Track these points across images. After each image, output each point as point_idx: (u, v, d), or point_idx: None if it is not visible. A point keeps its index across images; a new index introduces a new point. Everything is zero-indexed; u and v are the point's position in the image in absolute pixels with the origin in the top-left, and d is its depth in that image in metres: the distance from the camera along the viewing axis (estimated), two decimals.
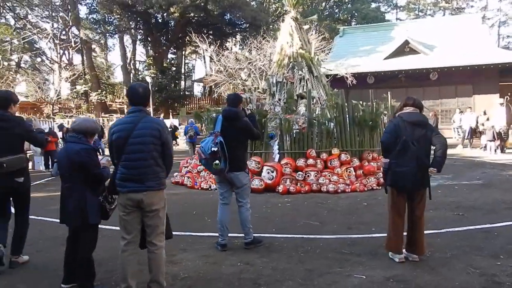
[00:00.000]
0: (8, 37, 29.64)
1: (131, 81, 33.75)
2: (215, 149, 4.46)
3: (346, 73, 22.79)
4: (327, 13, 45.57)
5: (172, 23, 31.06)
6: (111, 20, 29.74)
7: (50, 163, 14.08)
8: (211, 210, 6.37)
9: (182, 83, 36.39)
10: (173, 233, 3.86)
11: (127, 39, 38.08)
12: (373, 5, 46.27)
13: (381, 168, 5.34)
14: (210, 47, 22.26)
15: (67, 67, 33.97)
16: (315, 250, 4.77)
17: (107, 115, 31.65)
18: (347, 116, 9.37)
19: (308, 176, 8.77)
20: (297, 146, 9.18)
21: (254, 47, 22.26)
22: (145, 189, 3.30)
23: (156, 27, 30.72)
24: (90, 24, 27.18)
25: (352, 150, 9.37)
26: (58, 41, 32.18)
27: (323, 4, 45.53)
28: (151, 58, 32.73)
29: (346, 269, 4.14)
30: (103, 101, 31.35)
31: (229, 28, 31.17)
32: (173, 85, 31.51)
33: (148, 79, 26.19)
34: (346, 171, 8.96)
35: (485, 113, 17.31)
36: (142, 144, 3.29)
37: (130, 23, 29.42)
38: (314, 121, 9.18)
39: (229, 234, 4.93)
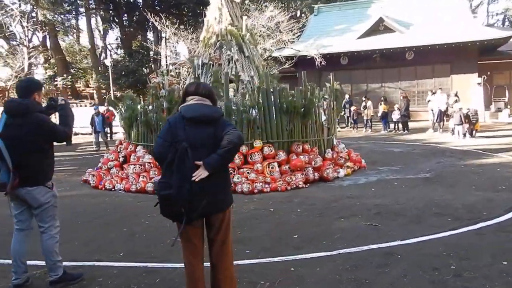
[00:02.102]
0: None
1: (100, 65, 32.20)
2: None
3: (315, 54, 21.45)
4: None
5: (140, 3, 29.36)
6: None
7: None
8: (90, 220, 5.12)
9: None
10: None
11: (98, 21, 36.39)
12: None
13: None
14: (168, 28, 20.70)
15: (33, 50, 32.35)
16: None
17: (77, 101, 30.19)
18: (273, 102, 8.05)
19: None
20: None
21: None
22: None
23: (122, 7, 29.01)
24: (48, 4, 25.41)
25: (279, 142, 8.09)
26: (26, 22, 30.48)
27: None
28: (119, 40, 31.12)
29: None
30: (69, 86, 29.76)
31: (200, 7, 29.47)
32: (143, 69, 29.96)
33: (108, 63, 24.67)
34: (268, 167, 7.70)
35: (456, 95, 16.03)
36: None
37: (91, 2, 27.70)
38: (233, 108, 7.87)
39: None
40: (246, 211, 6.06)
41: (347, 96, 20.79)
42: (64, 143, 3.78)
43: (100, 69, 31.36)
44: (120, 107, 9.24)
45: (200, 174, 2.76)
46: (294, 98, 8.20)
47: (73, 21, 33.65)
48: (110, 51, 35.64)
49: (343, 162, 8.73)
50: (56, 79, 29.44)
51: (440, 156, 10.57)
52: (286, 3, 39.77)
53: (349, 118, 20.11)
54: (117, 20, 30.38)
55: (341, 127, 20.20)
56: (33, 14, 28.08)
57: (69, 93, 32.31)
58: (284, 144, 8.15)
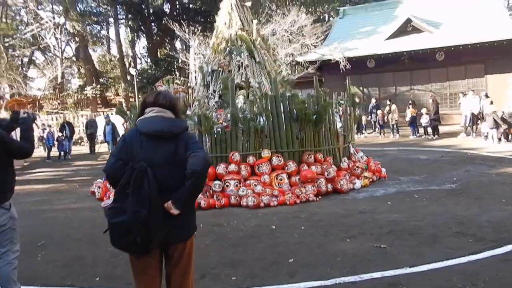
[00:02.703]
0: (11, 33, 29.26)
1: (128, 74, 32.65)
2: None
3: (340, 58, 20.78)
4: None
5: (166, 12, 29.58)
6: (99, 11, 28.54)
7: None
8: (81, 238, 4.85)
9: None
10: None
11: (127, 31, 37.00)
12: None
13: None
14: (193, 36, 20.57)
15: (67, 61, 33.26)
16: None
17: (106, 109, 30.64)
18: (282, 109, 7.57)
19: (227, 186, 7.09)
20: (218, 149, 7.49)
21: None
22: None
23: (149, 17, 29.30)
24: (77, 16, 26.00)
25: (289, 152, 7.59)
26: (60, 34, 31.38)
27: None
28: (146, 49, 31.49)
29: None
30: (98, 95, 30.30)
31: None
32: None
33: (132, 72, 24.90)
34: (276, 179, 7.22)
35: (486, 95, 14.97)
36: None
37: (119, 13, 28.14)
38: (241, 116, 7.45)
39: None
40: (246, 228, 5.61)
41: (373, 100, 20.01)
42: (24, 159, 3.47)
43: (128, 77, 31.78)
44: (129, 116, 9.01)
45: (171, 211, 2.44)
46: (305, 105, 7.69)
47: (104, 32, 34.38)
48: (141, 59, 36.07)
49: (360, 172, 8.13)
50: (85, 89, 30.00)
51: (470, 163, 9.75)
52: (313, 7, 39.33)
53: (376, 123, 19.27)
54: (144, 30, 30.71)
55: (368, 133, 19.46)
56: (66, 26, 28.71)
57: (99, 102, 32.89)
58: (295, 153, 7.64)
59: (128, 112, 9.07)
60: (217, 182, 7.11)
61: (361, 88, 23.46)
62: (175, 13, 27.45)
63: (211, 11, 27.81)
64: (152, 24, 29.81)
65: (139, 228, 2.37)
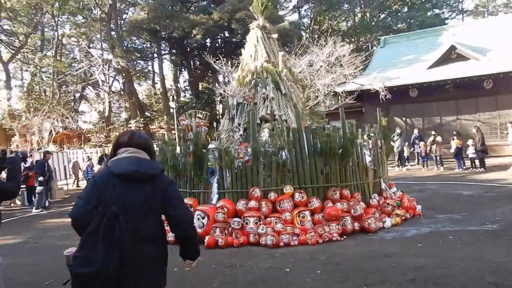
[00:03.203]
0: (63, 70, 31.39)
1: (169, 107, 33.60)
2: None
3: (380, 87, 20.26)
4: (381, 24, 42.35)
5: (208, 46, 30.44)
6: (143, 47, 29.91)
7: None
8: None
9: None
10: None
11: (171, 65, 38.38)
12: (435, 11, 42.36)
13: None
14: (233, 69, 20.88)
15: (114, 95, 34.92)
16: None
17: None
18: (305, 143, 7.30)
19: (246, 223, 6.82)
20: (239, 184, 7.28)
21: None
22: None
23: (191, 51, 30.26)
24: (121, 52, 27.37)
25: (313, 187, 7.25)
26: (108, 70, 33.13)
27: (377, 14, 42.48)
28: (187, 82, 32.39)
29: None
30: (141, 128, 31.32)
31: None
32: (209, 110, 30.71)
33: (172, 105, 25.58)
34: (298, 216, 6.87)
35: None
36: None
37: (163, 48, 29.29)
38: (262, 150, 7.23)
39: None
40: (258, 271, 5.29)
41: (416, 131, 19.18)
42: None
43: (170, 110, 32.72)
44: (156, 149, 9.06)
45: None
46: (331, 138, 7.37)
47: (148, 67, 35.88)
48: (184, 92, 37.12)
49: (391, 209, 7.61)
50: (130, 122, 31.11)
51: None
52: (355, 37, 39.15)
53: (419, 154, 18.38)
54: (185, 64, 31.70)
55: (411, 165, 18.56)
56: (112, 63, 30.25)
57: None
58: (319, 189, 7.29)
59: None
60: (237, 219, 6.87)
61: (403, 118, 22.69)
62: (215, 47, 28.13)
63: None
64: (194, 58, 30.69)
65: (108, 281, 2.18)
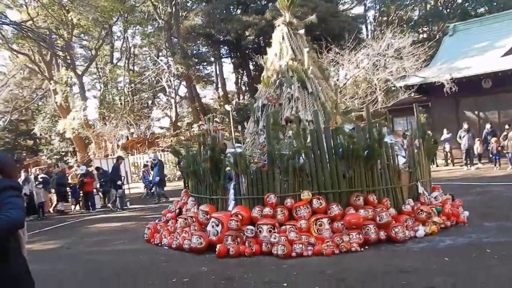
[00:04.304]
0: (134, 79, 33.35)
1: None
2: None
3: (446, 80, 18.61)
4: (458, 11, 39.13)
5: (262, 47, 30.33)
6: (202, 51, 30.50)
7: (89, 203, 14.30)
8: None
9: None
10: None
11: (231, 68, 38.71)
12: None
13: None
14: None
15: (180, 101, 36.12)
16: None
17: None
18: (325, 146, 6.73)
19: (260, 231, 6.44)
20: (255, 190, 6.91)
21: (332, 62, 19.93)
22: None
23: (247, 53, 30.33)
24: (180, 58, 28.18)
25: (334, 193, 6.67)
26: (172, 76, 34.43)
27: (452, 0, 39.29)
28: (246, 85, 32.48)
29: None
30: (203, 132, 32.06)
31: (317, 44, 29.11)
32: None
33: (228, 108, 25.75)
34: (315, 224, 6.34)
35: None
36: None
37: (220, 51, 29.65)
38: (276, 154, 6.80)
39: None
40: (254, 285, 4.90)
41: (488, 126, 17.37)
42: None
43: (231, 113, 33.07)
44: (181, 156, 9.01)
45: None
46: (354, 139, 6.74)
47: (208, 71, 36.63)
48: (244, 94, 37.40)
49: (426, 216, 6.75)
50: (193, 126, 31.90)
51: None
52: (428, 26, 36.60)
53: (490, 152, 16.57)
54: (243, 66, 31.87)
55: (482, 163, 16.79)
56: (172, 69, 31.26)
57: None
58: (342, 194, 6.69)
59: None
60: (250, 227, 6.51)
61: (476, 112, 20.69)
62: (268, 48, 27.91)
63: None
64: (250, 59, 30.72)
65: None
